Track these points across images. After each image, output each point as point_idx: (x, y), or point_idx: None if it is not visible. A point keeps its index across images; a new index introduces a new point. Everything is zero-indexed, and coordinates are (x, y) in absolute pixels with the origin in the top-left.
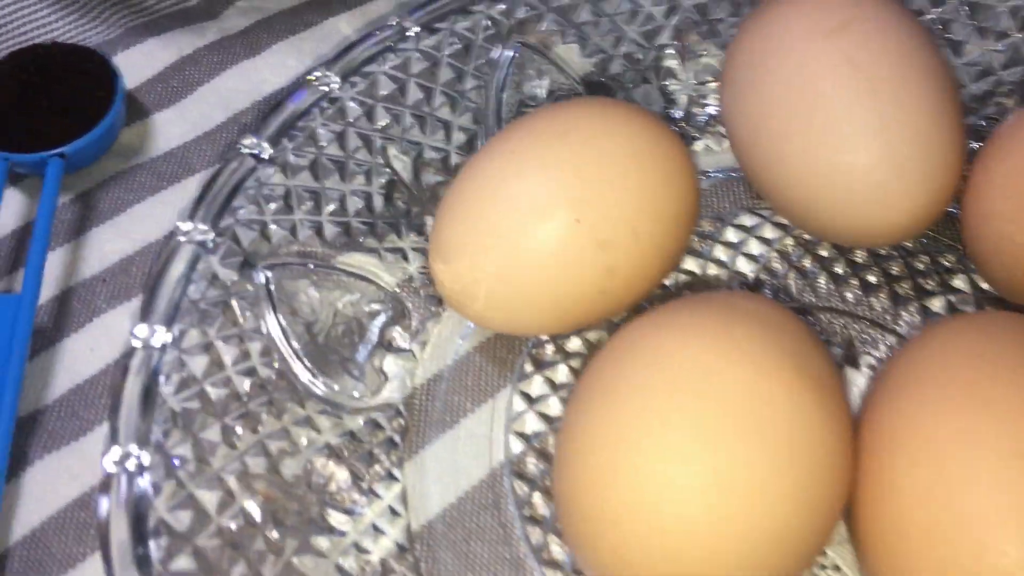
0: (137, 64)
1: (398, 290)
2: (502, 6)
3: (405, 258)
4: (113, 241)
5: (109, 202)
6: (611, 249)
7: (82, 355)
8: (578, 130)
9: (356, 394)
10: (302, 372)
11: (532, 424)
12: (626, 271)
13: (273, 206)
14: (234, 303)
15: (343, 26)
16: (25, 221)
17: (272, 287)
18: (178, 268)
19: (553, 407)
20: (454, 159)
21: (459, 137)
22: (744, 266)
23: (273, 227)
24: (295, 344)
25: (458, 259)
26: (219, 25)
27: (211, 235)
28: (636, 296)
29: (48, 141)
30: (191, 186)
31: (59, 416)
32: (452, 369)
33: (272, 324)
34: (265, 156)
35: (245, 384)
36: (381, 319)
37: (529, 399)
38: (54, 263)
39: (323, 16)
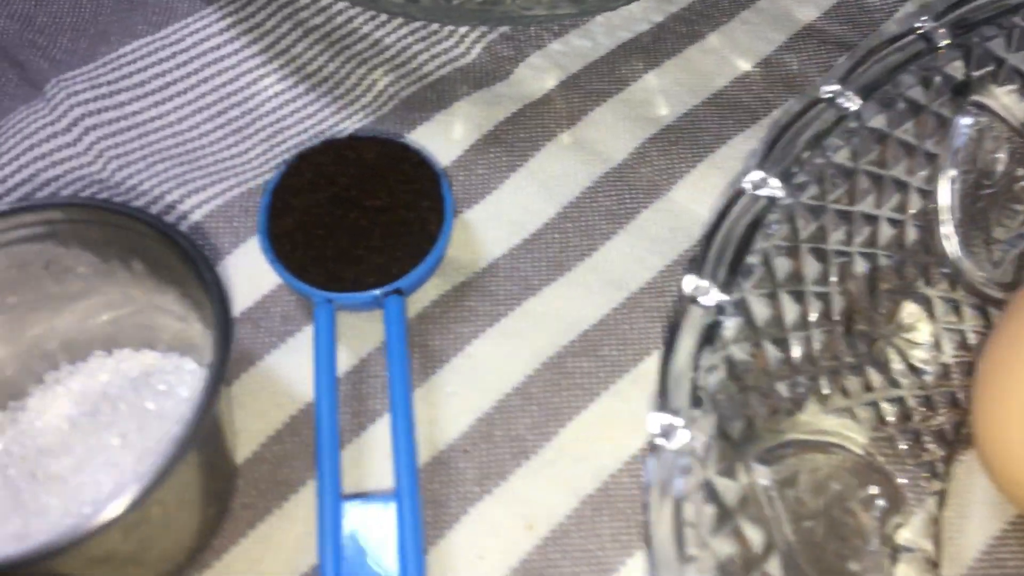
0: (428, 147)
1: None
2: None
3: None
4: (461, 394)
5: (448, 340)
6: None
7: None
8: None
9: None
10: None
11: None
12: None
13: None
14: None
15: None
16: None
17: None
18: None
19: None
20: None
21: None
22: None
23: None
24: None
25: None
26: (513, 90)
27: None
28: None
29: (374, 270)
30: (535, 315)
31: None
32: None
33: None
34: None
35: None
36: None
37: None
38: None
39: (636, 74)
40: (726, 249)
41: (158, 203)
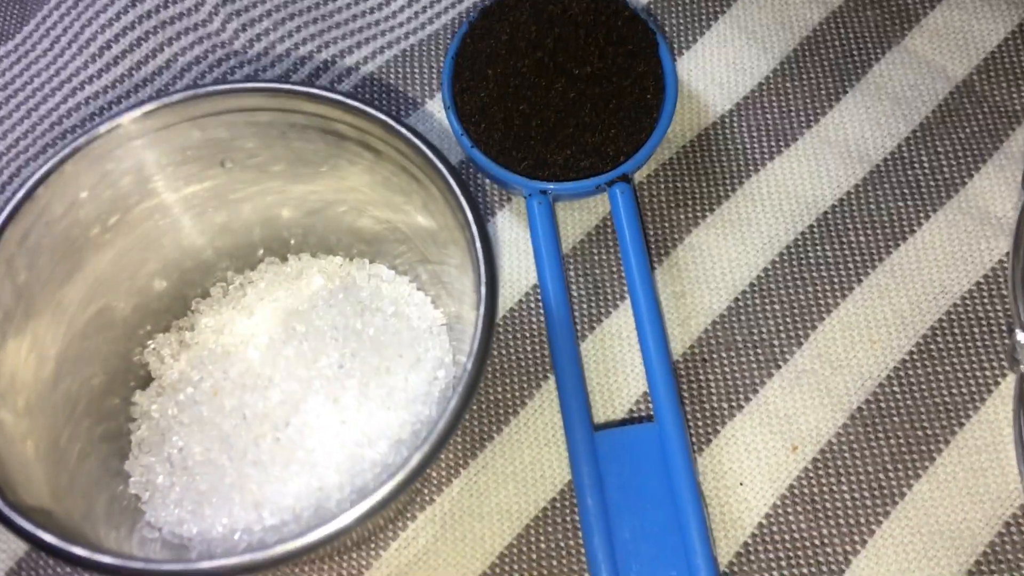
0: None
1: None
2: None
3: None
4: (689, 293)
5: (663, 230)
6: None
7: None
8: None
9: None
10: None
11: None
12: None
13: None
14: None
15: None
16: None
17: None
18: None
19: None
20: None
21: None
22: None
23: None
24: None
25: None
26: None
27: None
28: None
29: (590, 151)
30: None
31: None
32: None
33: None
34: None
35: None
36: None
37: None
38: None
39: None
40: None
41: (299, 70)
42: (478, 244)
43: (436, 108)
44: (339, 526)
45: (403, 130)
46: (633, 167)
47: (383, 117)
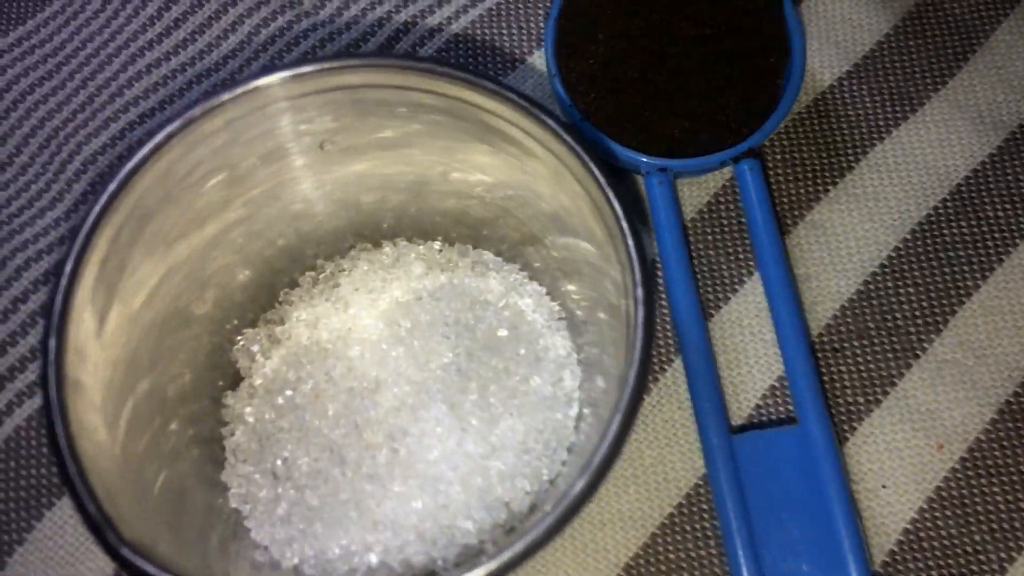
0: None
1: None
2: None
3: None
4: (815, 276)
5: (782, 205)
6: None
7: None
8: None
9: None
10: None
11: None
12: None
13: None
14: None
15: None
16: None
17: None
18: None
19: None
20: None
21: None
22: None
23: None
24: None
25: None
26: None
27: None
28: None
29: (711, 123)
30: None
31: None
32: None
33: None
34: None
35: None
36: None
37: None
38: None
39: None
40: None
41: (379, 31)
42: (629, 241)
43: (530, 71)
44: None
45: (558, 128)
46: (760, 139)
47: (549, 121)
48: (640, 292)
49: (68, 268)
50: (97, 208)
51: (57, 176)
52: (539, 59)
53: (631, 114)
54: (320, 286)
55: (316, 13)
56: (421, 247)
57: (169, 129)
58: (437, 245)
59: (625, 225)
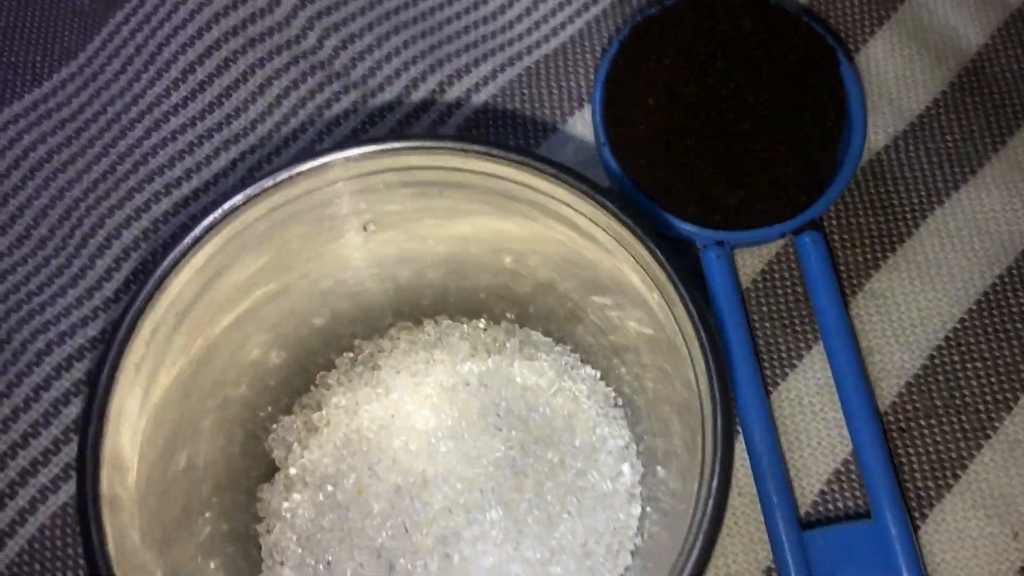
0: None
1: None
2: None
3: None
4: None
5: (839, 273)
6: None
7: None
8: None
9: None
10: None
11: None
12: None
13: None
14: None
15: None
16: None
17: None
18: None
19: None
20: None
21: None
22: None
23: None
24: None
25: None
26: None
27: None
28: None
29: (768, 191)
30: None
31: None
32: None
33: None
34: None
35: None
36: None
37: None
38: None
39: None
40: None
41: (412, 93)
42: (703, 335)
43: (569, 135)
44: None
45: (620, 212)
46: (822, 210)
47: (610, 205)
48: (716, 391)
49: (102, 382)
50: (131, 313)
51: (78, 251)
52: (579, 121)
53: (685, 182)
54: (359, 368)
55: (347, 74)
56: (465, 326)
57: (208, 220)
58: (482, 323)
59: (699, 323)
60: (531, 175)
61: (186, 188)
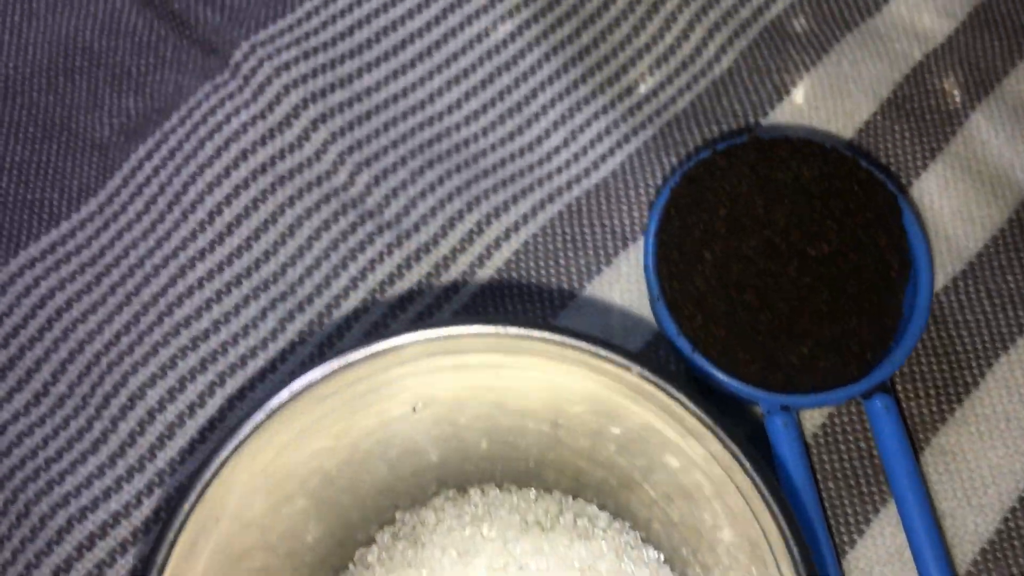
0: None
1: None
2: None
3: None
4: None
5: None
6: None
7: None
8: None
9: None
10: None
11: None
12: None
13: None
14: None
15: None
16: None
17: None
18: None
19: None
20: None
21: None
22: None
23: None
24: None
25: None
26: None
27: None
28: None
29: (832, 350)
30: None
31: None
32: None
33: None
34: None
35: None
36: None
37: None
38: None
39: None
40: None
41: (449, 234)
42: (790, 539)
43: (615, 276)
44: None
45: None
46: (892, 370)
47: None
48: None
49: None
50: (170, 534)
51: (99, 412)
52: (624, 262)
53: (745, 341)
54: (401, 543)
55: (380, 213)
56: (514, 496)
57: (255, 420)
58: (532, 494)
59: (786, 528)
60: (596, 359)
61: (214, 342)
